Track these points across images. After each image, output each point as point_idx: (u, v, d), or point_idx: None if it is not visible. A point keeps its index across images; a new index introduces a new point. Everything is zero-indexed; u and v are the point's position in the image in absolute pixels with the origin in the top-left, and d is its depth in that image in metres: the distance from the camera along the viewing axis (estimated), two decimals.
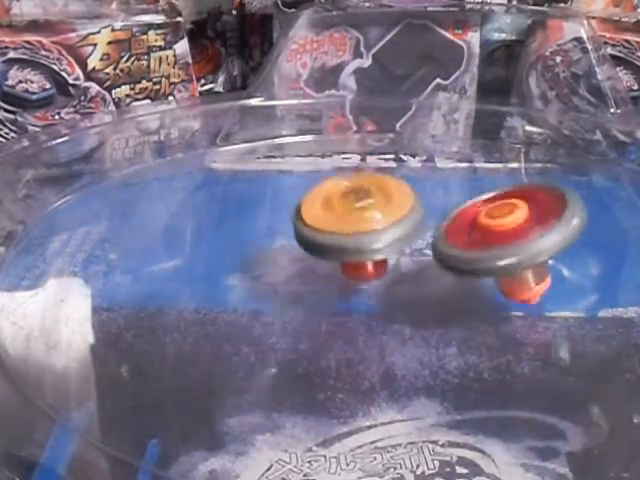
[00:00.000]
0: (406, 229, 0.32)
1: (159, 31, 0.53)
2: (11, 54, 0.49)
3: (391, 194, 0.33)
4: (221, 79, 0.63)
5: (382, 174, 0.35)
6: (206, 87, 0.61)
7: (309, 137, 0.54)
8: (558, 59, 0.55)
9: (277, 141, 0.54)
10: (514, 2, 0.58)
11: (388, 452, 0.26)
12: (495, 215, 0.32)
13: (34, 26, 0.49)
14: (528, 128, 0.55)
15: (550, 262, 0.33)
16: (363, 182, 0.34)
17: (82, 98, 0.51)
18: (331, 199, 0.34)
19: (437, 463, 0.26)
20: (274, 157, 0.53)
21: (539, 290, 0.33)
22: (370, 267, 0.34)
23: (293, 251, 0.40)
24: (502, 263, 0.30)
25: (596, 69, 0.53)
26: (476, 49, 0.57)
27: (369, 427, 0.28)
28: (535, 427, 0.28)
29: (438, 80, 0.57)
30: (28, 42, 0.49)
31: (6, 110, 0.49)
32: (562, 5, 0.58)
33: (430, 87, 0.57)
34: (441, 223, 0.34)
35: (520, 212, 0.32)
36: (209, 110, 0.55)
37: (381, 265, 0.35)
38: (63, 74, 0.50)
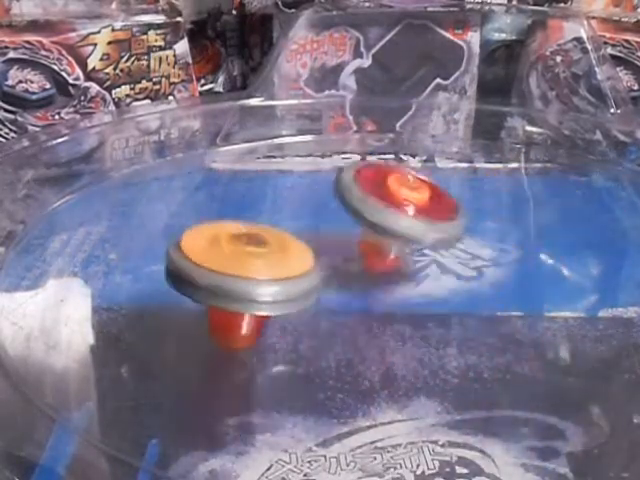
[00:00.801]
0: (294, 289, 0.28)
1: (159, 31, 0.53)
2: (11, 54, 0.49)
3: (289, 249, 0.30)
4: (221, 79, 0.63)
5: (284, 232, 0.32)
6: (206, 87, 0.61)
7: (309, 137, 0.54)
8: (558, 59, 0.55)
9: (277, 141, 0.54)
10: (514, 2, 0.58)
11: (388, 452, 0.26)
12: (402, 184, 0.35)
13: (34, 26, 0.49)
14: (528, 128, 0.55)
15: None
16: (261, 232, 0.31)
17: (82, 98, 0.51)
18: (219, 236, 0.30)
19: (437, 463, 0.26)
20: (274, 157, 0.53)
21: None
22: (244, 325, 0.30)
23: None
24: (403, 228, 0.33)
25: (596, 69, 0.53)
26: (476, 49, 0.57)
27: (369, 427, 0.28)
28: (535, 427, 0.28)
29: (438, 80, 0.57)
30: (28, 42, 0.49)
31: (6, 110, 0.49)
32: (562, 5, 0.58)
33: (430, 87, 0.57)
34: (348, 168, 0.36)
35: (422, 194, 0.34)
36: (209, 110, 0.55)
37: (257, 325, 0.31)
38: (63, 74, 0.50)
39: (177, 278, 0.29)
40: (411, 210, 0.34)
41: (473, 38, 0.57)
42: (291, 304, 0.29)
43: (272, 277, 0.28)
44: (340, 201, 0.35)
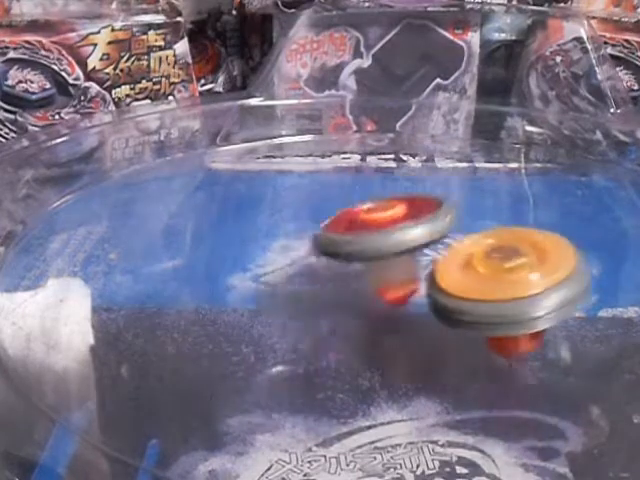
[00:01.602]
0: (572, 292, 0.27)
1: (159, 31, 0.53)
2: (11, 54, 0.49)
3: (546, 251, 0.28)
4: (221, 79, 0.63)
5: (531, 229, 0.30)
6: (206, 87, 0.61)
7: (309, 137, 0.54)
8: (558, 59, 0.55)
9: (277, 141, 0.54)
10: (514, 2, 0.58)
11: (388, 452, 0.26)
12: (373, 211, 0.33)
13: (34, 26, 0.49)
14: (528, 128, 0.55)
15: None
16: (509, 238, 0.29)
17: (82, 98, 0.51)
18: (471, 259, 0.28)
19: (437, 463, 0.26)
20: (274, 157, 0.53)
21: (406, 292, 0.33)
22: (525, 339, 0.28)
23: (293, 251, 0.40)
24: (369, 247, 0.31)
25: (596, 69, 0.53)
26: (476, 49, 0.57)
27: (369, 427, 0.28)
28: (535, 427, 0.28)
29: (438, 80, 0.57)
30: (28, 42, 0.49)
31: (6, 110, 0.49)
32: (562, 5, 0.58)
33: (430, 87, 0.57)
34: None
35: (397, 210, 0.33)
36: (209, 110, 0.55)
37: (537, 336, 0.29)
38: (63, 74, 0.50)
39: (447, 317, 0.28)
40: (385, 225, 0.32)
41: (473, 38, 0.57)
42: (567, 309, 0.27)
43: (545, 289, 0.26)
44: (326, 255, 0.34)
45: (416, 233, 0.31)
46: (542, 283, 0.27)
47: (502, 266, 0.27)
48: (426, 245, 0.31)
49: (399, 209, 0.33)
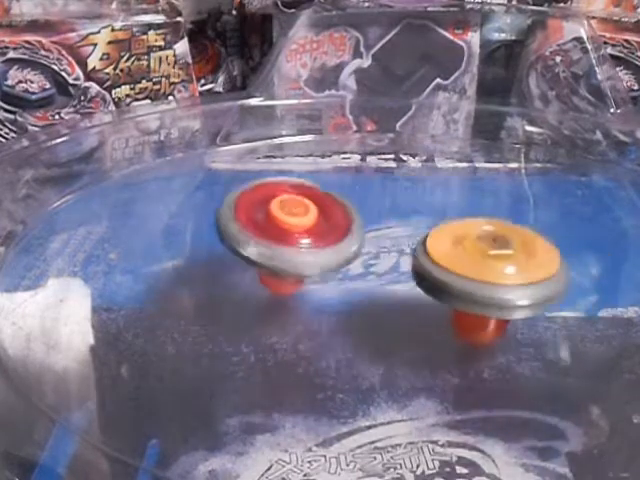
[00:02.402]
0: (543, 294, 0.28)
1: (159, 31, 0.53)
2: (11, 54, 0.49)
3: (534, 251, 0.30)
4: (221, 79, 0.63)
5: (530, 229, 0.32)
6: (206, 87, 0.61)
7: (309, 137, 0.54)
8: (558, 59, 0.55)
9: (277, 141, 0.54)
10: (514, 2, 0.58)
11: (388, 452, 0.26)
12: (286, 210, 0.32)
13: (34, 26, 0.49)
14: (528, 128, 0.55)
15: None
16: (506, 231, 0.31)
17: (82, 98, 0.51)
18: (463, 239, 0.30)
19: (437, 463, 0.26)
20: (274, 157, 0.53)
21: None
22: (489, 325, 0.30)
23: None
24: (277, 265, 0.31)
25: (596, 69, 0.53)
26: (476, 49, 0.57)
27: (369, 427, 0.28)
28: (535, 427, 0.28)
29: (438, 80, 0.57)
30: (28, 42, 0.49)
31: (6, 110, 0.49)
32: (562, 5, 0.58)
33: (430, 87, 0.57)
34: (229, 196, 0.33)
35: (309, 217, 0.32)
36: (209, 110, 0.55)
37: (501, 326, 0.31)
38: (63, 74, 0.50)
39: (424, 280, 0.30)
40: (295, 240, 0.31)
41: (473, 38, 0.57)
42: (537, 307, 0.29)
43: (518, 282, 0.28)
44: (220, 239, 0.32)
45: (324, 259, 0.31)
46: (517, 277, 0.28)
47: (487, 251, 0.29)
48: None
49: (311, 216, 0.32)
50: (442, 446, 0.27)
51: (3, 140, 0.49)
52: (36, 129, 0.50)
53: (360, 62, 0.56)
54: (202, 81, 0.61)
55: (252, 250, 0.31)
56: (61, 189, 0.45)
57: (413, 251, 0.31)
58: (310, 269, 0.31)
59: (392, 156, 0.53)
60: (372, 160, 0.52)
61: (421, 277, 0.30)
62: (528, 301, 0.28)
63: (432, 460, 0.26)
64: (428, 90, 0.57)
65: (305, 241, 0.31)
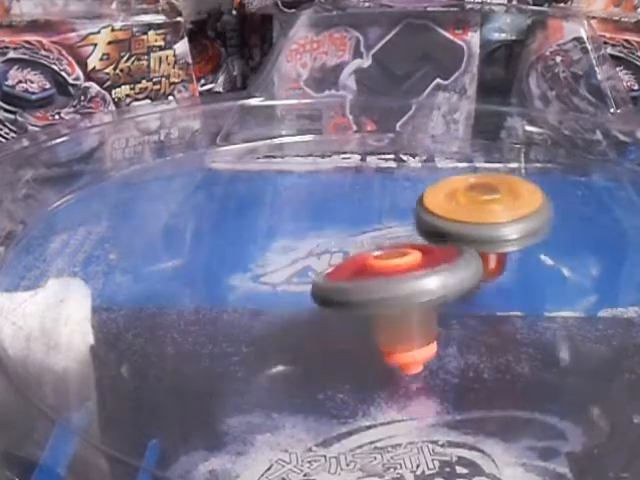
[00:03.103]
0: (532, 225, 0.31)
1: (159, 31, 0.53)
2: (11, 54, 0.49)
3: (519, 192, 0.33)
4: (221, 79, 0.63)
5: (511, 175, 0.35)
6: (206, 87, 0.61)
7: (309, 137, 0.54)
8: (558, 59, 0.55)
9: (277, 141, 0.54)
10: (514, 2, 0.58)
11: (388, 452, 0.26)
12: (383, 258, 0.29)
13: (34, 26, 0.49)
14: (528, 128, 0.55)
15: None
16: (491, 179, 0.34)
17: (82, 98, 0.51)
18: (456, 191, 0.33)
19: (437, 463, 0.26)
20: (274, 157, 0.53)
21: (422, 356, 0.29)
22: (491, 262, 0.33)
23: (293, 251, 0.40)
24: (376, 296, 0.27)
25: (596, 69, 0.53)
26: (476, 49, 0.57)
27: (369, 427, 0.28)
28: (535, 427, 0.28)
29: (438, 80, 0.57)
30: (28, 42, 0.49)
31: (6, 110, 0.49)
32: (562, 5, 0.58)
33: (430, 87, 0.57)
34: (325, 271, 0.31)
35: (410, 257, 0.28)
36: (209, 110, 0.55)
37: (501, 262, 0.33)
38: (63, 74, 0.50)
39: (428, 232, 0.32)
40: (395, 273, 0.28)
41: (473, 38, 0.57)
42: (529, 239, 0.31)
43: (509, 219, 0.31)
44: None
45: (430, 283, 0.27)
46: (509, 215, 0.31)
47: (479, 198, 0.32)
48: (444, 299, 0.27)
49: (414, 256, 0.29)
50: (442, 446, 0.27)
51: (3, 140, 0.49)
52: (36, 129, 0.50)
53: (360, 62, 0.56)
54: (202, 81, 0.61)
55: None
56: (61, 189, 0.45)
57: (416, 209, 0.33)
58: None
59: (392, 156, 0.53)
60: (372, 160, 0.53)
61: (426, 229, 0.32)
62: (518, 235, 0.31)
63: (432, 460, 0.26)
64: (428, 90, 0.57)
65: None
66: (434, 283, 0.27)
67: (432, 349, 0.30)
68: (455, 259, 0.28)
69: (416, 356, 0.29)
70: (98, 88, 0.51)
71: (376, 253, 0.30)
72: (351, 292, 0.27)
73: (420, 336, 0.29)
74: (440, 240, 0.31)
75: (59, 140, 0.47)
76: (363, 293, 0.27)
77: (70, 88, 0.50)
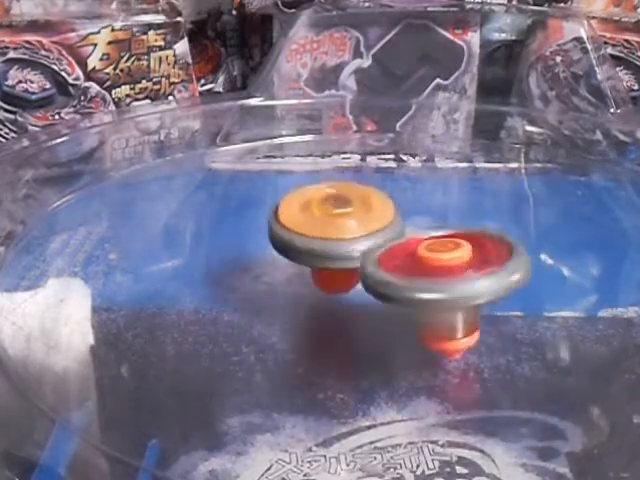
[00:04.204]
0: (380, 240, 0.31)
1: (159, 31, 0.53)
2: (11, 54, 0.49)
3: (372, 205, 0.33)
4: (221, 79, 0.63)
5: (366, 185, 0.34)
6: (206, 87, 0.61)
7: (309, 137, 0.54)
8: (558, 59, 0.55)
9: (277, 141, 0.54)
10: (514, 2, 0.58)
11: (388, 452, 0.26)
12: (435, 250, 0.29)
13: (34, 26, 0.49)
14: (528, 128, 0.55)
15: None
16: (345, 191, 0.34)
17: (82, 98, 0.51)
18: (310, 203, 0.33)
19: (437, 463, 0.26)
20: (274, 157, 0.53)
21: (465, 343, 0.30)
22: (340, 277, 0.32)
23: None
24: (429, 297, 0.28)
25: (596, 69, 0.53)
26: (476, 49, 0.57)
27: (369, 427, 0.28)
28: (535, 427, 0.28)
29: (438, 80, 0.57)
30: (28, 42, 0.49)
31: (6, 110, 0.49)
32: (562, 5, 0.58)
33: (430, 87, 0.57)
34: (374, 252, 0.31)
35: (462, 252, 0.29)
36: (209, 110, 0.55)
37: (354, 275, 0.31)
38: (63, 74, 0.50)
39: (280, 246, 0.33)
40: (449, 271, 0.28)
41: (473, 38, 0.57)
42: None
43: (359, 234, 0.31)
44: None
45: (483, 287, 0.27)
46: (360, 229, 0.31)
47: (332, 211, 0.32)
48: (495, 301, 0.28)
49: (466, 250, 0.29)
50: (442, 446, 0.27)
51: (3, 140, 0.49)
52: (36, 129, 0.50)
53: (360, 62, 0.56)
54: (202, 81, 0.61)
55: None
56: (61, 189, 0.45)
57: (269, 223, 0.33)
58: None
59: (392, 156, 0.53)
60: (372, 160, 0.52)
61: (280, 244, 0.32)
62: (371, 246, 0.31)
63: (432, 460, 0.26)
64: (428, 90, 0.57)
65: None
66: (487, 287, 0.28)
67: (475, 337, 0.30)
68: (507, 259, 0.28)
69: (461, 343, 0.30)
70: (98, 88, 0.51)
71: (427, 242, 0.30)
72: (404, 290, 0.28)
73: (465, 328, 0.30)
74: (294, 256, 0.32)
75: (59, 140, 0.47)
76: (416, 291, 0.28)
77: (70, 88, 0.50)
